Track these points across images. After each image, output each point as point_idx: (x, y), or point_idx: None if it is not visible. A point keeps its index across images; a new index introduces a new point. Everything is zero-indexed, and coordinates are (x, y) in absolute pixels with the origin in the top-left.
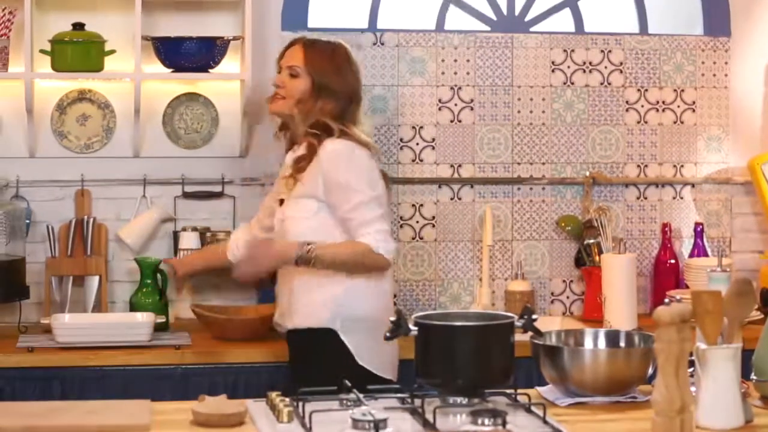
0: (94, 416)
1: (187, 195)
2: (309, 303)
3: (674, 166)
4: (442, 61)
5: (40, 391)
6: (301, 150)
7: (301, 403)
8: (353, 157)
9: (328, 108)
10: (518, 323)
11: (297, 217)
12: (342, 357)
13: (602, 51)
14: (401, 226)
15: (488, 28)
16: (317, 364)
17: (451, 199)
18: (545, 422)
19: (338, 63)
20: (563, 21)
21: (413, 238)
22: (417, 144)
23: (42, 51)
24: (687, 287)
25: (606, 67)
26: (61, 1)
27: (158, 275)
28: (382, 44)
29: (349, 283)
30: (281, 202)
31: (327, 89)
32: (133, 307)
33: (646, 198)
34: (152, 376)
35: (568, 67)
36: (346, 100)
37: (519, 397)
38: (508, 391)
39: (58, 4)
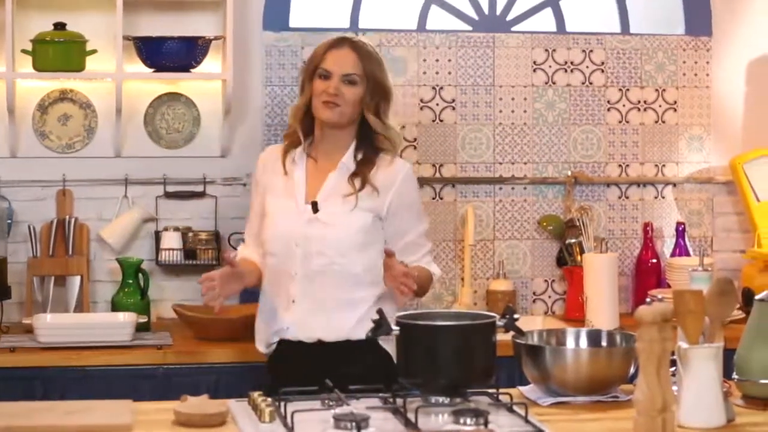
0: (76, 416)
1: (168, 195)
2: (354, 316)
3: (656, 165)
4: (424, 60)
5: (22, 391)
6: (359, 156)
7: (283, 403)
8: (417, 184)
9: (384, 109)
10: (500, 323)
11: (346, 229)
12: (385, 363)
13: (584, 51)
14: None
15: (470, 28)
16: (362, 372)
17: (433, 198)
18: (527, 422)
19: (382, 62)
20: (545, 21)
21: None
22: None
23: (23, 51)
24: (669, 287)
25: (587, 67)
26: (42, 0)
27: (140, 275)
28: None
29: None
30: (314, 205)
31: (383, 92)
32: (115, 307)
33: (627, 197)
34: (134, 376)
35: (550, 66)
36: (390, 98)
37: (501, 397)
38: (490, 390)
39: (39, 4)
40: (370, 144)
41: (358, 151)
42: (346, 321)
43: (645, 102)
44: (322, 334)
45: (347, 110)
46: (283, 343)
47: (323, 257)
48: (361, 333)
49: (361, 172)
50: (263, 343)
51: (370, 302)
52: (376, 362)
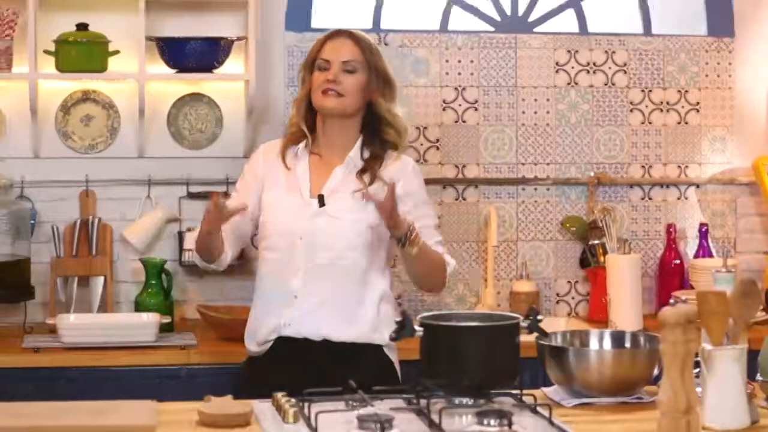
0: (100, 417)
1: (191, 195)
2: (362, 315)
3: (679, 166)
4: (446, 61)
5: (46, 391)
6: (366, 153)
7: (306, 404)
8: (423, 180)
9: (389, 98)
10: (523, 324)
11: (357, 223)
12: (387, 371)
13: (606, 52)
14: None
15: (492, 29)
16: (363, 378)
17: (456, 199)
18: (551, 423)
19: (381, 54)
20: (567, 21)
21: None
22: (421, 144)
23: (46, 51)
24: (692, 288)
25: (610, 68)
26: (64, 1)
27: (163, 275)
28: (386, 45)
29: (394, 302)
30: (321, 198)
31: (386, 80)
32: (139, 307)
33: (650, 198)
34: (158, 376)
35: (572, 67)
36: (394, 88)
37: (525, 398)
38: (513, 391)
39: (62, 5)
40: (377, 139)
41: (364, 148)
42: (353, 320)
43: (667, 103)
44: (328, 332)
45: (348, 100)
46: (281, 340)
47: (330, 251)
48: (371, 336)
49: (370, 168)
50: (257, 340)
51: (376, 302)
52: (380, 368)
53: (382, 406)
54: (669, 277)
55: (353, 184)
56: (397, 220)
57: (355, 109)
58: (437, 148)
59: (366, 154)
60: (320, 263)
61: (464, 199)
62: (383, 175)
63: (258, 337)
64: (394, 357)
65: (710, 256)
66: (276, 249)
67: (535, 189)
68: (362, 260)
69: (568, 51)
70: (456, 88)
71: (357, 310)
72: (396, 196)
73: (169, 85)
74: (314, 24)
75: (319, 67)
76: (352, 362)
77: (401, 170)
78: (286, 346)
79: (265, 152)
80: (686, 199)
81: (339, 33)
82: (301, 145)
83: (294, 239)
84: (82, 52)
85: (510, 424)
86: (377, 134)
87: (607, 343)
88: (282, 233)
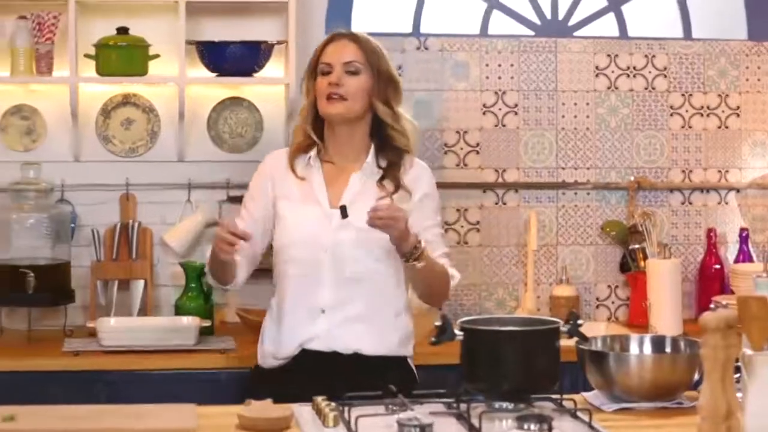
0: (139, 420)
1: (231, 199)
2: (395, 328)
3: (719, 171)
4: (486, 65)
5: (86, 394)
6: (382, 161)
7: (347, 408)
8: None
9: (394, 99)
10: (564, 328)
11: (382, 235)
12: (410, 380)
13: (646, 56)
14: (446, 231)
15: (532, 33)
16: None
17: (496, 203)
18: (591, 427)
19: (384, 52)
20: (607, 26)
21: (458, 243)
22: (461, 149)
23: (86, 55)
24: (732, 293)
25: (650, 72)
26: (105, 5)
27: (203, 279)
28: (426, 49)
29: (411, 311)
30: (343, 209)
31: (389, 80)
32: (179, 311)
33: (691, 203)
34: (197, 379)
35: (612, 71)
36: (399, 88)
37: (565, 403)
38: (553, 396)
39: (102, 9)
40: (388, 145)
41: (380, 155)
42: (384, 334)
43: (708, 107)
44: (360, 345)
45: (352, 104)
46: (305, 352)
47: (356, 263)
48: (400, 349)
49: (391, 176)
50: (278, 355)
51: (402, 313)
52: (404, 378)
53: (421, 411)
54: (709, 281)
55: (373, 192)
56: (404, 235)
57: (359, 113)
58: (477, 153)
59: (383, 162)
60: (347, 276)
61: (504, 203)
62: (404, 180)
63: (281, 352)
64: (413, 366)
65: (751, 260)
66: (298, 262)
67: (575, 193)
68: (387, 271)
69: (608, 55)
70: (496, 92)
71: (386, 324)
72: (406, 207)
73: (209, 89)
74: (354, 28)
75: (321, 72)
76: (379, 374)
77: (418, 175)
78: (311, 358)
79: (272, 163)
80: (726, 203)
81: (339, 35)
82: (312, 153)
83: (318, 252)
84: (123, 56)
85: (550, 429)
86: (386, 140)
87: (648, 348)
88: (305, 246)
